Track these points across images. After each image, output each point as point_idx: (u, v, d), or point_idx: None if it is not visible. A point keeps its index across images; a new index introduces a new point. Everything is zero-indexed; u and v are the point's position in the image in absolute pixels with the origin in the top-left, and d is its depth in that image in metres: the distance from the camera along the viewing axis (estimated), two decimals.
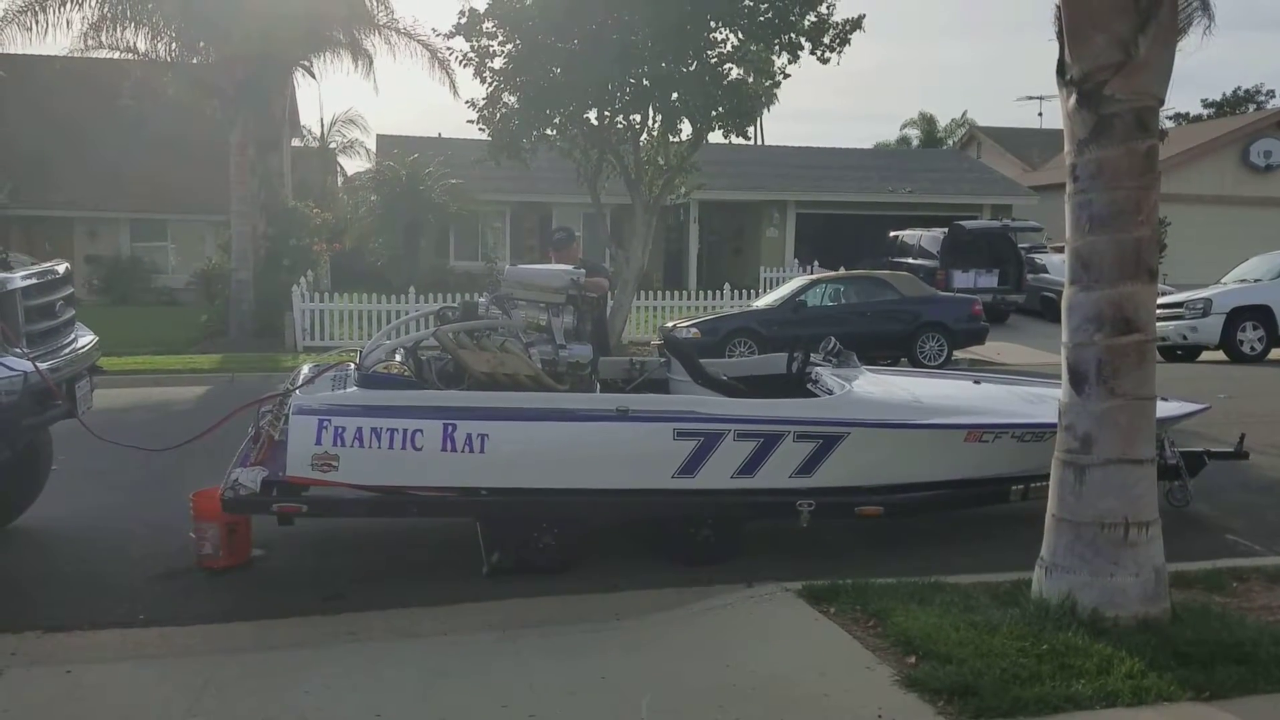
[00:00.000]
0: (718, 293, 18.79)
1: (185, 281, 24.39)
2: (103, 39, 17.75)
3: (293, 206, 23.26)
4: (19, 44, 17.48)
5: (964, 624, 4.45)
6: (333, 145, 39.61)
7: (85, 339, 6.37)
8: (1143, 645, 4.20)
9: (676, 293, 19.50)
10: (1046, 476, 4.83)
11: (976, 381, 7.45)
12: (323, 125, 39.93)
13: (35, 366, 5.37)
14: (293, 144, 31.82)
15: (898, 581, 5.06)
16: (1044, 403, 6.29)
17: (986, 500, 6.36)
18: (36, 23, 17.17)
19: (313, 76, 20.70)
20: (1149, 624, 4.41)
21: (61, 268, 6.24)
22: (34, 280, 5.74)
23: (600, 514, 5.93)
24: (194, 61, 18.22)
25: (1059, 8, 4.60)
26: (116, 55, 18.54)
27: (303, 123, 34.73)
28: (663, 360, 7.11)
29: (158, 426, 8.56)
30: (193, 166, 24.48)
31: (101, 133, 25.10)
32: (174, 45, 17.82)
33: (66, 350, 5.99)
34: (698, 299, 19.14)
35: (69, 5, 17.27)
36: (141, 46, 17.97)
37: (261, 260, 19.32)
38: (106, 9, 17.41)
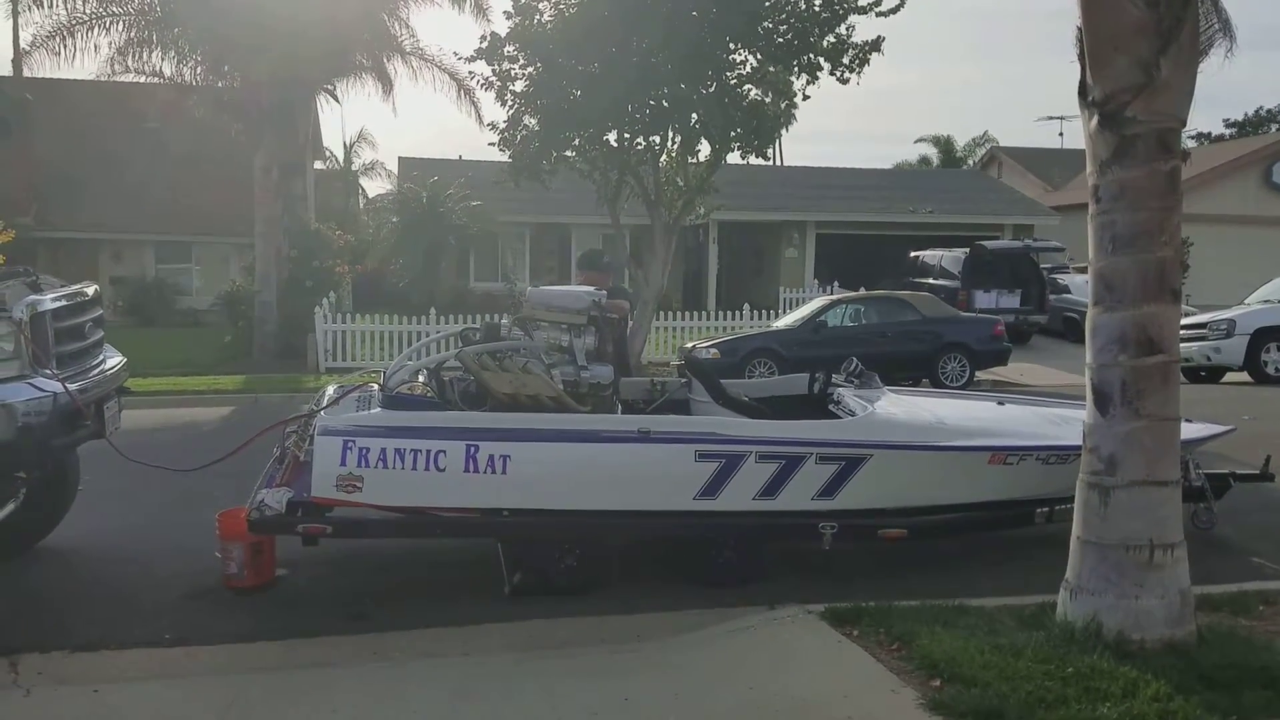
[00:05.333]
0: (737, 313, 18.82)
1: (209, 303, 24.60)
2: (129, 63, 18.02)
3: (316, 228, 23.48)
4: (47, 68, 17.80)
5: (989, 647, 4.42)
6: (355, 168, 40.09)
7: (113, 360, 6.45)
8: (1169, 669, 4.17)
9: (696, 313, 19.52)
10: (1071, 499, 4.81)
11: (1000, 403, 7.42)
12: (345, 148, 40.46)
13: (65, 387, 5.45)
14: (315, 166, 32.16)
15: (922, 604, 5.05)
16: (1068, 424, 6.25)
17: (1011, 523, 6.34)
18: (65, 47, 17.46)
19: (336, 100, 20.95)
20: (1175, 647, 4.38)
21: (90, 289, 6.33)
22: (63, 302, 5.82)
23: (622, 535, 5.94)
24: (219, 85, 18.45)
25: (1080, 30, 4.61)
26: (143, 79, 18.82)
27: (325, 145, 35.11)
28: (683, 381, 7.12)
29: (183, 447, 8.62)
30: (217, 189, 24.78)
31: (127, 155, 25.46)
32: (199, 69, 18.07)
33: (95, 371, 6.07)
34: (717, 320, 19.17)
35: (96, 30, 17.56)
36: (167, 70, 18.24)
37: (285, 282, 19.49)
38: (133, 33, 17.68)
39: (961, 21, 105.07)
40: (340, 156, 40.08)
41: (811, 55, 13.93)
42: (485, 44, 14.12)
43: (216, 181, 24.66)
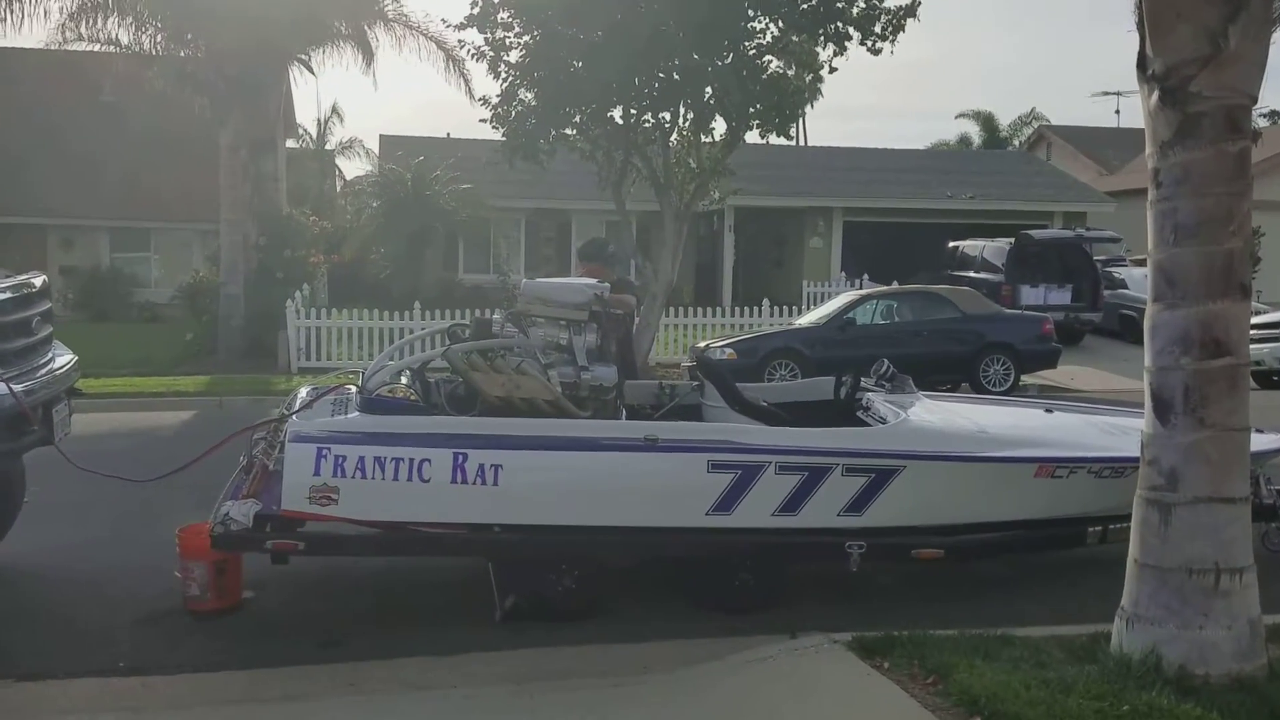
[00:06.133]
0: (756, 309, 18.81)
1: (169, 296, 24.63)
2: (82, 30, 18.02)
3: (287, 214, 23.52)
4: None
5: (1035, 682, 4.42)
6: (331, 147, 40.19)
7: (63, 359, 6.46)
8: (1236, 706, 4.16)
9: (710, 309, 19.51)
10: (1127, 517, 4.81)
11: (1048, 410, 7.41)
12: (320, 125, 40.53)
13: (9, 389, 5.47)
14: (288, 145, 32.20)
15: (960, 633, 5.04)
16: (1124, 434, 6.26)
17: (1060, 543, 6.35)
18: (11, 13, 17.44)
19: (311, 72, 20.96)
20: (1243, 682, 4.37)
21: (38, 280, 6.34)
22: (8, 294, 5.84)
23: (626, 554, 5.96)
24: (182, 55, 18.45)
25: None
26: (97, 48, 18.84)
27: (298, 122, 35.19)
28: (695, 384, 7.13)
29: (140, 455, 8.65)
30: (179, 170, 24.83)
31: (79, 133, 25.50)
32: (160, 37, 18.07)
33: (43, 371, 6.08)
34: (733, 316, 19.17)
35: None
36: (125, 38, 18.24)
37: (253, 273, 19.51)
38: None
39: None
40: (315, 134, 40.21)
41: (839, 23, 13.93)
42: (477, 9, 14.15)
43: (178, 162, 24.69)
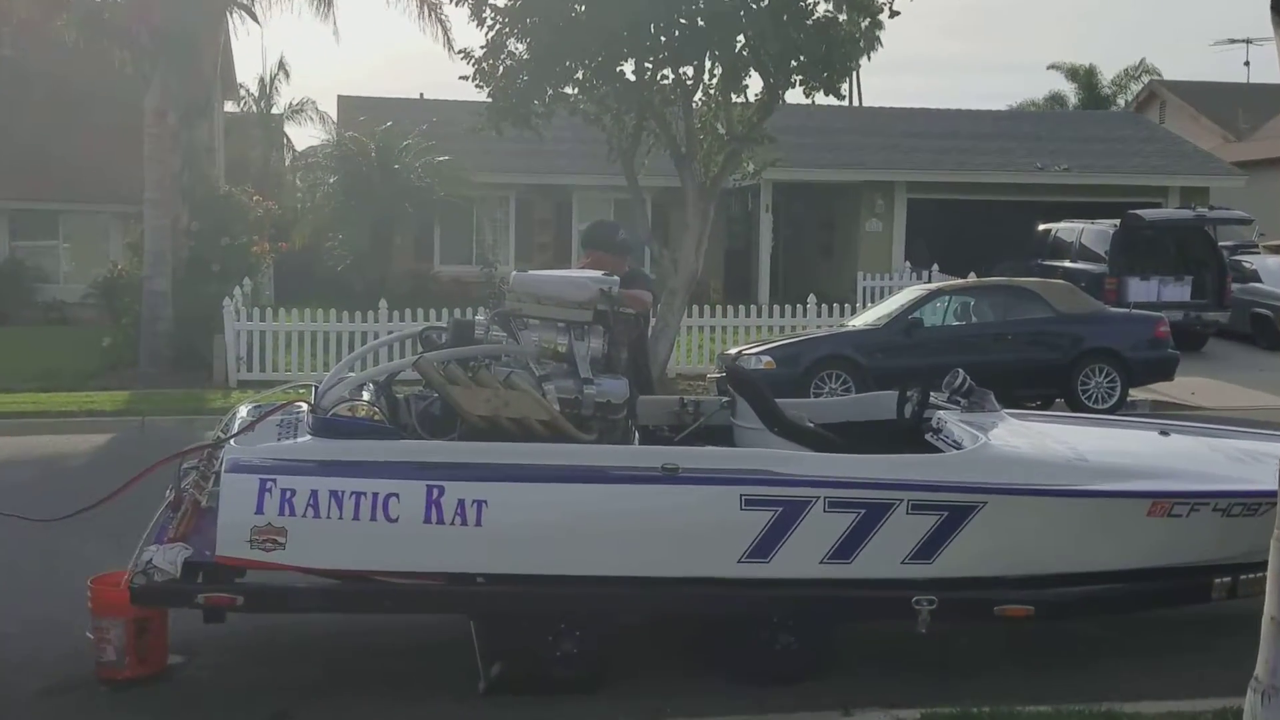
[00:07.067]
0: (799, 308, 18.83)
1: (82, 293, 24.76)
2: None
3: (226, 192, 23.63)
4: None
5: None
6: (278, 110, 40.42)
7: None
8: None
9: (743, 308, 19.54)
10: (1262, 565, 4.77)
11: (1163, 432, 7.39)
12: (265, 84, 40.76)
13: None
14: (226, 109, 32.40)
15: (1054, 710, 5.06)
16: (1257, 462, 6.25)
17: (1178, 598, 6.33)
18: None
19: (254, 19, 21.11)
20: None
21: None
22: None
23: (639, 611, 5.96)
24: (97, 0, 18.59)
25: None
26: None
27: (240, 81, 35.41)
28: (724, 400, 7.13)
29: (46, 488, 8.69)
30: (93, 140, 24.96)
31: None
32: None
33: None
34: (771, 316, 19.18)
35: None
36: None
37: (183, 265, 19.61)
38: None
39: None
40: (259, 95, 40.45)
41: None
42: None
43: (93, 130, 24.84)
